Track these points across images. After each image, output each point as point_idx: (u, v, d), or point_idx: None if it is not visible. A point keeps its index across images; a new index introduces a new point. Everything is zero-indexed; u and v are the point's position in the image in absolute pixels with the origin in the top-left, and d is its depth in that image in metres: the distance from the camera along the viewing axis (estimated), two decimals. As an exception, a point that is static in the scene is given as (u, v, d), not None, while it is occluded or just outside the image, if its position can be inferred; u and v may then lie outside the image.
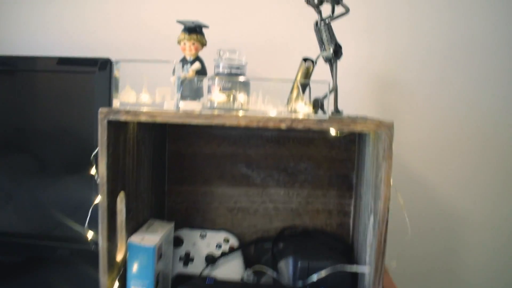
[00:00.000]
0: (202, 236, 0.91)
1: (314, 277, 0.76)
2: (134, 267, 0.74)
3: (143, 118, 0.67)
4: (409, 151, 1.07)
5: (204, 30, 0.84)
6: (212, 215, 0.96)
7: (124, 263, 0.76)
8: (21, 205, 0.95)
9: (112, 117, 0.67)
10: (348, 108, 0.91)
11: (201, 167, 0.95)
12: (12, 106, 0.94)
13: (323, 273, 0.75)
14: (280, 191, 0.95)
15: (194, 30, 0.83)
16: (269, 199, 0.95)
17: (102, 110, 0.67)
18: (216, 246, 0.90)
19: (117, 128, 0.71)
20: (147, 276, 0.74)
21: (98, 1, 1.09)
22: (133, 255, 0.74)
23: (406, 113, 1.06)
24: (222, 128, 0.94)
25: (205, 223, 0.96)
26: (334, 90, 0.77)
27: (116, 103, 0.71)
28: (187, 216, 0.96)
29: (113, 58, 0.89)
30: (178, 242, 0.91)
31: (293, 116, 0.65)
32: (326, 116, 0.67)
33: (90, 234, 0.75)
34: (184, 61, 0.84)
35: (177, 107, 0.71)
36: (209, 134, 0.94)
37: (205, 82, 0.80)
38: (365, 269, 0.73)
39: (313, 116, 0.67)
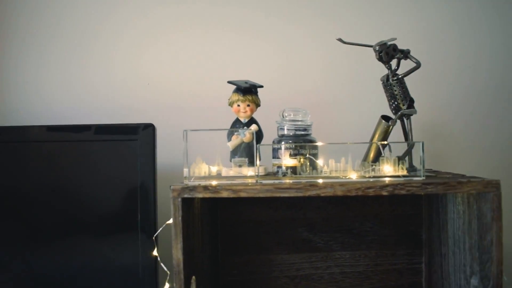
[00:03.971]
0: (268, 312, 0.83)
1: None
2: None
3: (225, 194, 0.60)
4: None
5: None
6: (272, 286, 0.88)
7: None
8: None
9: (187, 195, 0.60)
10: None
11: (257, 234, 0.88)
12: (49, 176, 0.85)
13: None
14: (346, 254, 0.88)
15: (250, 91, 0.78)
16: (334, 264, 0.88)
17: (175, 188, 0.61)
18: (285, 322, 0.82)
19: (188, 207, 0.64)
20: None
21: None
22: None
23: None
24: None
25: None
26: (411, 146, 0.72)
27: (186, 178, 0.64)
28: (244, 289, 0.88)
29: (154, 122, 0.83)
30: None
31: (391, 180, 0.60)
32: (422, 176, 0.62)
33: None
34: (237, 123, 0.79)
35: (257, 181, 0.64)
36: (264, 198, 0.88)
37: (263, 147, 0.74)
38: None
39: (412, 178, 0.61)
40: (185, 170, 0.64)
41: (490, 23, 1.02)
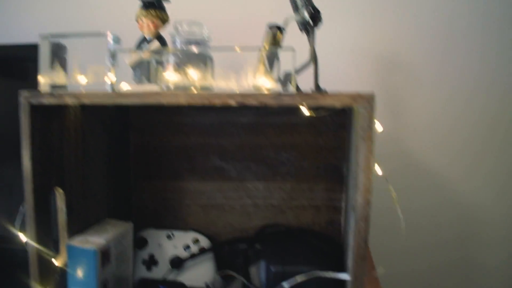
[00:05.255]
0: (169, 237, 0.80)
1: (286, 285, 0.63)
2: (75, 273, 0.64)
3: (69, 101, 0.56)
4: (414, 137, 0.92)
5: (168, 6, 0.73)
6: (183, 213, 0.85)
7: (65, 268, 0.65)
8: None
9: (34, 101, 0.57)
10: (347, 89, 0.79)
11: (170, 160, 0.84)
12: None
13: (297, 279, 0.63)
14: (259, 186, 0.83)
15: (153, 5, 0.72)
16: (246, 195, 0.83)
17: (24, 94, 0.57)
18: (184, 247, 0.79)
19: (47, 114, 0.60)
20: (89, 283, 0.64)
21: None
22: (73, 259, 0.64)
23: (412, 96, 0.92)
24: (191, 115, 0.82)
25: (176, 223, 0.85)
26: (314, 63, 0.64)
27: (44, 86, 0.60)
28: (156, 215, 0.86)
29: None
30: (142, 243, 0.80)
31: (242, 91, 0.53)
32: (287, 90, 0.55)
33: (23, 237, 0.65)
34: (142, 40, 0.74)
35: (112, 88, 0.59)
36: (177, 123, 0.83)
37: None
38: (346, 276, 0.61)
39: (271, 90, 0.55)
40: (40, 77, 0.60)
41: None
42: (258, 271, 0.69)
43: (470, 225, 0.94)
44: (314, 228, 0.82)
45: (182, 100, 0.52)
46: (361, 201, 0.52)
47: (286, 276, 0.65)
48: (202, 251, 0.78)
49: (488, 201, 0.94)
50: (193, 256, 0.77)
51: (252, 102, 0.51)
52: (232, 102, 0.52)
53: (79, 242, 0.65)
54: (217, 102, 0.52)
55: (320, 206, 0.82)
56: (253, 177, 0.82)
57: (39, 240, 0.60)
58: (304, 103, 0.51)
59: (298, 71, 0.63)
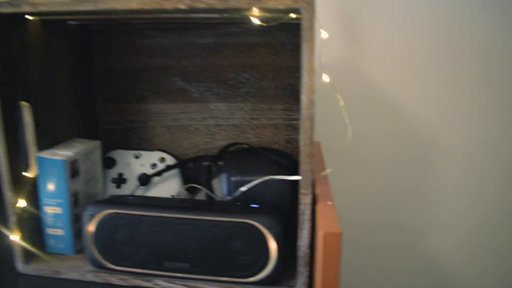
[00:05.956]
0: (136, 157, 0.84)
1: (243, 189, 0.68)
2: (45, 184, 0.68)
3: (26, 9, 0.57)
4: (374, 64, 0.96)
5: None
6: (149, 135, 0.88)
7: (35, 180, 0.69)
8: None
9: (-8, 10, 0.58)
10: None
11: (134, 83, 0.87)
12: None
13: (253, 183, 0.68)
14: (221, 106, 0.86)
15: None
16: (209, 115, 0.87)
17: (-20, 2, 0.58)
18: (151, 166, 0.83)
19: (7, 26, 0.62)
20: (60, 194, 0.68)
21: None
22: (43, 171, 0.67)
23: (370, 23, 0.95)
24: (152, 36, 0.84)
25: (143, 144, 0.89)
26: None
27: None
28: (123, 137, 0.89)
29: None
30: (110, 163, 0.84)
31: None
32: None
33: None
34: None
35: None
36: (140, 44, 0.85)
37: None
38: (298, 177, 0.66)
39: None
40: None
41: None
42: (220, 183, 0.74)
43: (425, 150, 1.00)
44: (274, 147, 0.87)
45: (134, 5, 0.54)
46: (305, 100, 0.56)
47: (245, 185, 0.70)
48: (168, 167, 0.82)
49: (443, 129, 0.98)
50: (159, 172, 0.82)
51: (201, 5, 0.54)
52: (182, 6, 0.54)
53: (48, 154, 0.68)
54: (168, 6, 0.54)
55: (279, 125, 0.86)
56: (215, 98, 0.86)
57: (10, 154, 0.63)
58: (250, 6, 0.54)
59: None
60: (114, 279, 0.65)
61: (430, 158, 1.00)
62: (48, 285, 0.66)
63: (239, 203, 0.69)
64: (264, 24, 0.64)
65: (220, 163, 0.81)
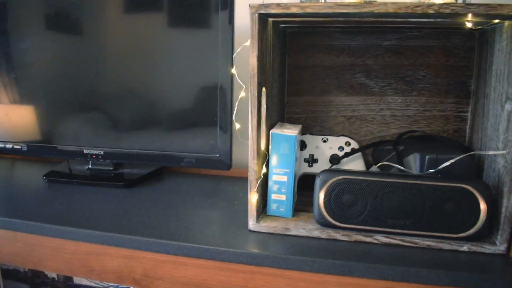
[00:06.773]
0: (324, 141, 0.98)
1: (444, 165, 0.80)
2: (276, 156, 0.82)
3: (294, 10, 0.72)
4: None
5: None
6: (330, 123, 1.02)
7: (267, 152, 0.84)
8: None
9: (262, 11, 0.74)
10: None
11: (321, 78, 1.01)
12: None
13: (452, 161, 0.79)
14: (398, 99, 0.99)
15: None
16: (386, 107, 1.00)
17: (253, 5, 0.74)
18: (339, 148, 0.96)
19: (262, 25, 0.77)
20: (289, 164, 0.82)
21: None
22: (276, 144, 0.82)
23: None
24: (341, 39, 0.98)
25: (324, 132, 1.03)
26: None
27: None
28: (305, 125, 1.03)
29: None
30: (302, 145, 0.98)
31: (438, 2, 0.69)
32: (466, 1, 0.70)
33: (237, 126, 0.84)
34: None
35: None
36: (329, 45, 1.00)
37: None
38: (502, 152, 0.76)
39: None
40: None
41: None
42: (414, 161, 0.86)
43: None
44: (443, 135, 0.99)
45: (391, 9, 0.68)
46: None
47: (438, 162, 0.82)
48: (355, 150, 0.95)
49: None
50: (347, 154, 0.95)
51: (446, 11, 0.67)
52: (431, 11, 0.67)
53: (280, 131, 0.83)
54: (419, 10, 0.68)
55: (449, 116, 0.98)
56: (393, 92, 0.99)
57: (256, 129, 0.78)
58: (487, 13, 0.66)
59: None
60: (338, 235, 0.78)
61: None
62: (279, 239, 0.79)
63: (439, 175, 0.81)
64: (472, 28, 0.77)
65: (401, 147, 0.94)
